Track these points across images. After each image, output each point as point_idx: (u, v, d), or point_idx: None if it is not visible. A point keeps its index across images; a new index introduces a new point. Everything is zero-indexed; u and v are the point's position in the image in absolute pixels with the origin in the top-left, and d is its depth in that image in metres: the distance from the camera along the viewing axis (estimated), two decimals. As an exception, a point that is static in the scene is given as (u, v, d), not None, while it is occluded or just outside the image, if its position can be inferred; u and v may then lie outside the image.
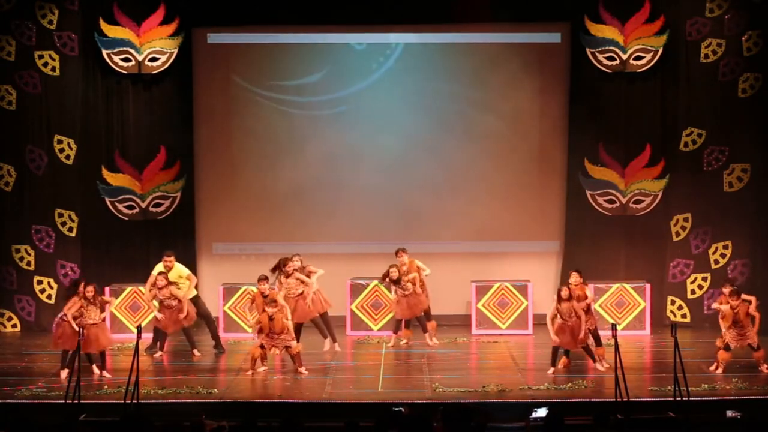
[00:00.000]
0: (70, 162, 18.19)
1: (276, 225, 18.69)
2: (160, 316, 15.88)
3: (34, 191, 18.15)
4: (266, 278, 15.68)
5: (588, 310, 15.00)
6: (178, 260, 16.58)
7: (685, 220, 18.28)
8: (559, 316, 14.81)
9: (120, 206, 18.27)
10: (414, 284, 16.45)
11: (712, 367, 14.76)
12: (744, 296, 14.85)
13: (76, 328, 14.13)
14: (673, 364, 12.78)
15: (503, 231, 18.64)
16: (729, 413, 12.54)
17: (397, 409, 12.12)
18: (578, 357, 15.05)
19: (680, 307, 18.24)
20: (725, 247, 18.18)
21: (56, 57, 18.00)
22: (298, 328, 15.86)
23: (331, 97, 18.67)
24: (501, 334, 17.50)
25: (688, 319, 18.15)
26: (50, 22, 17.94)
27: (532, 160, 18.70)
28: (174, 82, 18.28)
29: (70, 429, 11.34)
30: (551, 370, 14.79)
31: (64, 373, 14.53)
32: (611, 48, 18.01)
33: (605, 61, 18.08)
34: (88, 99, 18.16)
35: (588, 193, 18.32)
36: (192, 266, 17.33)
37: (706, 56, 18.01)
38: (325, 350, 16.16)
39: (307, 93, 18.64)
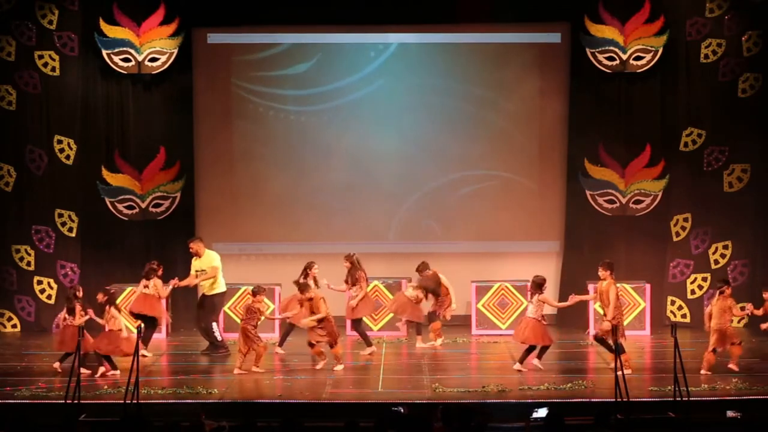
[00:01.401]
0: (70, 162, 18.19)
1: (276, 225, 18.69)
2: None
3: (34, 191, 18.15)
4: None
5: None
6: (178, 260, 16.59)
7: (685, 220, 18.28)
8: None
9: (120, 206, 18.26)
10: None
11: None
12: None
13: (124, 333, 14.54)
14: (673, 364, 12.78)
15: (503, 231, 18.65)
16: (729, 413, 12.53)
17: (396, 409, 12.12)
18: (579, 358, 15.04)
19: (680, 308, 18.23)
20: (725, 247, 18.18)
21: (56, 57, 18.00)
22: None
23: (330, 97, 18.66)
24: (501, 334, 17.49)
25: (688, 320, 18.14)
26: (50, 22, 17.94)
27: (532, 160, 18.70)
28: (174, 82, 18.27)
29: (70, 429, 11.32)
30: (518, 365, 14.88)
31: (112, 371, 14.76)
32: (611, 48, 18.01)
33: (605, 61, 18.08)
34: (88, 99, 18.16)
35: (588, 193, 18.32)
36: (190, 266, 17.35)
37: (706, 56, 18.01)
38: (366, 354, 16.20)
39: (308, 93, 18.64)
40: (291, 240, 18.58)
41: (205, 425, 10.59)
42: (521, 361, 14.88)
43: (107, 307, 14.87)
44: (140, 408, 12.45)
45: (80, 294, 15.14)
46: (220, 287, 16.33)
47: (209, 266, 16.22)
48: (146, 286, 15.86)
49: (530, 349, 14.90)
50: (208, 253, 16.38)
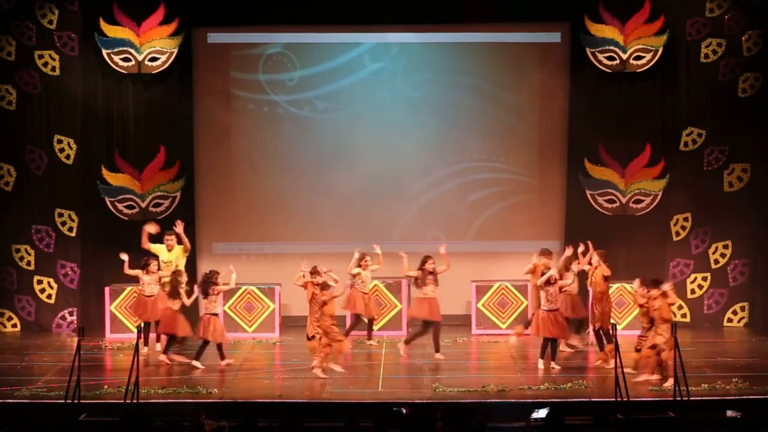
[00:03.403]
0: (70, 162, 18.19)
1: (276, 225, 18.69)
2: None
3: (34, 191, 18.15)
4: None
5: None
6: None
7: (685, 220, 18.28)
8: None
9: (120, 206, 18.27)
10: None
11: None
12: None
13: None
14: (673, 364, 12.79)
15: (503, 231, 18.65)
16: (729, 413, 12.54)
17: (397, 409, 12.12)
18: (580, 357, 15.05)
19: (680, 307, 18.22)
20: (725, 246, 18.19)
21: (56, 57, 18.00)
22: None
23: (331, 98, 18.66)
24: (501, 334, 17.49)
25: (688, 319, 18.15)
26: (50, 22, 17.94)
27: (532, 159, 18.70)
28: (174, 82, 18.27)
29: (70, 429, 11.33)
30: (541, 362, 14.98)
31: (198, 363, 15.12)
32: (611, 48, 18.02)
33: (605, 61, 18.08)
34: (88, 99, 18.16)
35: (588, 193, 18.33)
36: (192, 266, 17.35)
37: (706, 56, 18.02)
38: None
39: (308, 93, 18.64)
40: (291, 240, 18.57)
41: (205, 425, 10.60)
42: (542, 357, 14.91)
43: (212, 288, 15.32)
44: (140, 408, 12.46)
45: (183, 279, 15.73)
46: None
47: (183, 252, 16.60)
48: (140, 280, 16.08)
49: (547, 343, 14.93)
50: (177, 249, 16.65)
